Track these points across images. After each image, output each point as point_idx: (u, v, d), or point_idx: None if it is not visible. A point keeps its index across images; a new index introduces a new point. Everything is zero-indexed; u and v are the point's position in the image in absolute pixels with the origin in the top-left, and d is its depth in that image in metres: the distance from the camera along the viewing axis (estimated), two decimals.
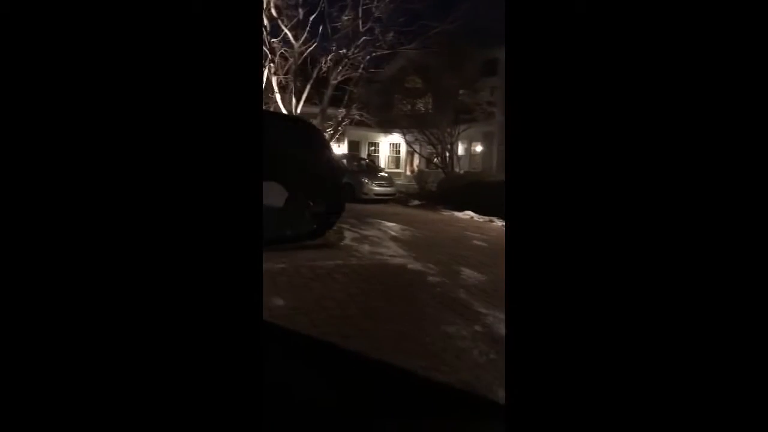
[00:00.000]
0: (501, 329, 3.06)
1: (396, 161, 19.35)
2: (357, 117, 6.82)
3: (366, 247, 5.54)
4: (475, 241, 6.52)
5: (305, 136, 0.62)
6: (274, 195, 0.59)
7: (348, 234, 6.31)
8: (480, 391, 2.19)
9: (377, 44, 6.28)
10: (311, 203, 0.65)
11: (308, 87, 6.38)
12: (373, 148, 19.80)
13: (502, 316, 3.31)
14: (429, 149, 14.76)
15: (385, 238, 6.26)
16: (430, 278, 4.21)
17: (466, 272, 4.46)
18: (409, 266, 4.63)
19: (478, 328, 3.05)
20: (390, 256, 5.11)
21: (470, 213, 9.77)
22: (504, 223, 7.71)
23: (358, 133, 17.91)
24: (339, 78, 5.83)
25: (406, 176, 17.11)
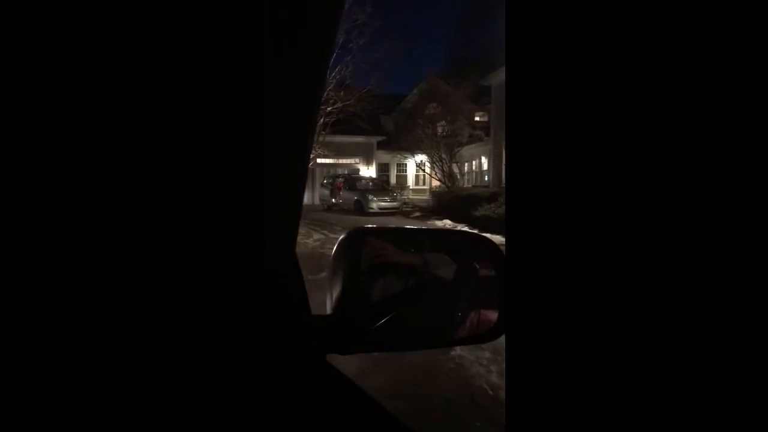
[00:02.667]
0: None
1: (423, 179, 21.48)
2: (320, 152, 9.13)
3: (313, 239, 7.73)
4: None
5: (481, 247, 0.62)
6: (441, 267, 0.58)
7: (316, 235, 8.75)
8: None
9: (331, 101, 8.72)
10: (477, 265, 0.61)
11: None
12: (401, 168, 22.27)
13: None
14: (427, 168, 16.66)
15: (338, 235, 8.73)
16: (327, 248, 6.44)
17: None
18: (323, 248, 6.76)
19: None
20: (321, 243, 7.41)
21: (447, 221, 11.66)
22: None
23: (387, 155, 20.49)
24: None
25: (430, 192, 19.23)
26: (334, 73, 8.38)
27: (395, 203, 14.33)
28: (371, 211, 13.44)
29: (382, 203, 13.90)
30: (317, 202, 16.06)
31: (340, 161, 19.05)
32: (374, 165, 20.19)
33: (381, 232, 0.65)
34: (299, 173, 0.49)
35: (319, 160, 8.41)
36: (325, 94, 8.36)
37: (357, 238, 0.55)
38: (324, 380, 0.50)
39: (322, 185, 16.15)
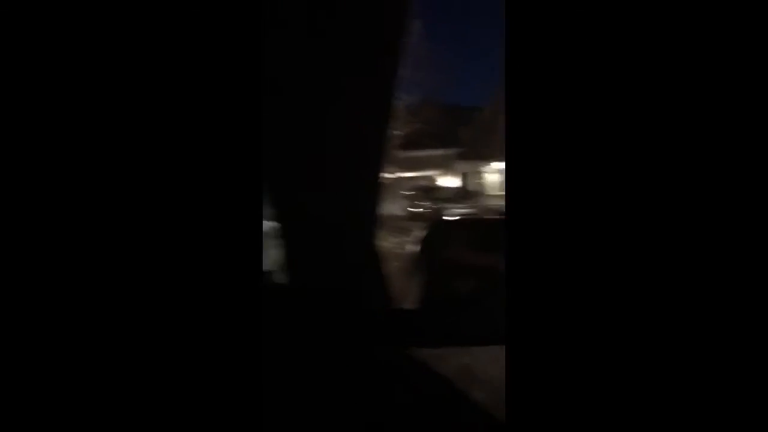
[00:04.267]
0: None
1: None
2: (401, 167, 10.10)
3: (389, 242, 8.54)
4: None
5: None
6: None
7: (393, 239, 9.68)
8: None
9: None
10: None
11: None
12: (479, 176, 22.82)
13: None
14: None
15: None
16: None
17: None
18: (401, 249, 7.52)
19: None
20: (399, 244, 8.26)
21: None
22: None
23: (466, 165, 21.21)
24: None
25: None
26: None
27: (473, 210, 15.09)
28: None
29: (458, 210, 14.79)
30: (400, 212, 17.35)
31: (421, 174, 20.24)
32: (454, 175, 21.02)
33: (462, 225, 0.66)
34: (373, 178, 0.50)
35: (400, 174, 9.44)
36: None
37: (436, 233, 0.50)
38: (373, 371, 0.50)
39: (404, 197, 17.47)
